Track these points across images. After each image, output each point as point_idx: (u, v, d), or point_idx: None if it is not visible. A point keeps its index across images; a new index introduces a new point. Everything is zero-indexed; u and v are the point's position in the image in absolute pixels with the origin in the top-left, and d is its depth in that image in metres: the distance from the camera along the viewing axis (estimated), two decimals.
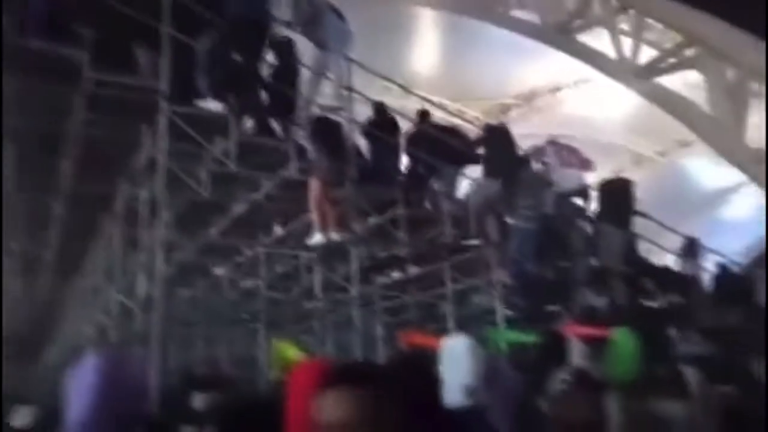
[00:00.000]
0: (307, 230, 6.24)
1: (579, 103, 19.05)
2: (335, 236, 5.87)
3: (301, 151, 5.81)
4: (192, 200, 5.75)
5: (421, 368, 2.42)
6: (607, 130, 17.85)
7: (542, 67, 17.91)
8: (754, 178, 9.38)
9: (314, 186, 5.73)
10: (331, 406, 1.36)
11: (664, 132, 16.61)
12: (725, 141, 9.24)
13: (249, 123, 5.78)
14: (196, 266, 8.25)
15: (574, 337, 3.34)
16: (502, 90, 19.27)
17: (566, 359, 2.77)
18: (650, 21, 11.30)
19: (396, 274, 8.39)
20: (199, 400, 2.39)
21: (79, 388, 1.50)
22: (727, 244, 14.37)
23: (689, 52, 9.56)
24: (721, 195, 17.96)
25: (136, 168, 5.95)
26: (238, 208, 6.50)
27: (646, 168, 18.84)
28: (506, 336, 5.02)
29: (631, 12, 10.47)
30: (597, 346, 3.22)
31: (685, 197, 17.53)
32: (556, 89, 19.58)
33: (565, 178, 7.51)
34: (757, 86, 9.29)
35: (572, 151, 8.28)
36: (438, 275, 7.79)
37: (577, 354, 2.84)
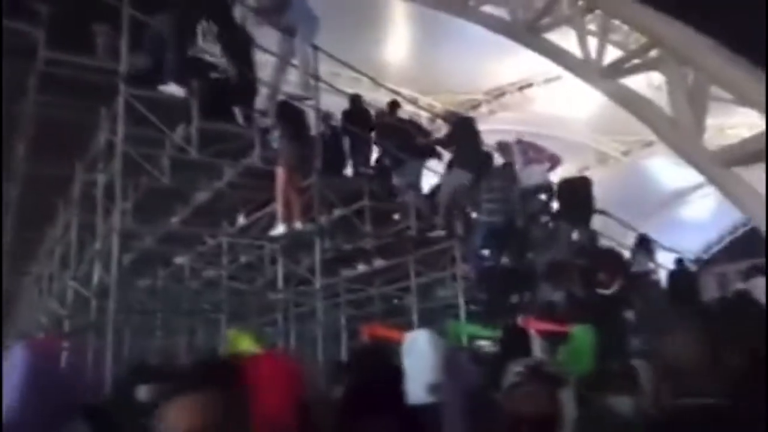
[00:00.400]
0: (271, 220, 6.16)
1: (547, 101, 19.28)
2: (299, 226, 5.81)
3: (264, 139, 5.73)
4: (152, 187, 5.61)
5: (383, 361, 2.40)
6: (573, 129, 18.13)
7: (512, 64, 18.05)
8: (711, 179, 9.64)
9: (279, 173, 5.64)
10: (175, 416, 1.26)
11: (627, 132, 16.99)
12: (684, 143, 9.47)
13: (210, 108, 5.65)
14: (157, 255, 8.07)
15: (534, 331, 3.38)
16: (472, 85, 19.35)
17: (528, 354, 2.79)
18: (616, 22, 11.52)
19: (361, 267, 8.40)
20: (144, 392, 2.33)
21: (9, 377, 1.45)
22: (686, 243, 14.86)
23: (652, 54, 9.76)
24: (681, 195, 18.52)
25: (93, 152, 5.76)
26: (201, 196, 6.38)
27: (609, 167, 19.26)
28: (467, 329, 5.05)
29: (598, 13, 10.63)
30: (555, 341, 3.26)
31: (646, 196, 17.99)
32: (526, 86, 19.76)
33: (529, 174, 7.62)
34: (716, 90, 9.57)
35: (539, 150, 8.39)
36: (403, 268, 7.83)
37: (537, 349, 2.87)
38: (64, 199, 7.14)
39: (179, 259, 8.66)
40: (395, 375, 2.17)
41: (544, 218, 7.90)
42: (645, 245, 8.95)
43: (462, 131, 7.58)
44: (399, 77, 17.40)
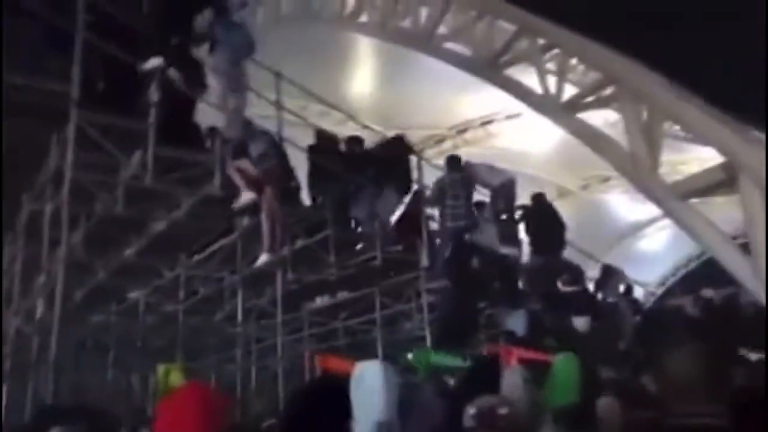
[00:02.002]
0: (231, 251, 5.96)
1: (509, 137, 19.69)
2: (265, 258, 5.62)
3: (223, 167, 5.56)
4: (105, 216, 5.37)
5: (333, 398, 2.22)
6: (534, 164, 18.51)
7: (475, 100, 18.44)
8: (668, 212, 9.90)
9: (268, 193, 5.40)
10: None
11: (586, 167, 17.44)
12: (641, 176, 9.75)
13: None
14: (110, 289, 7.71)
15: (514, 361, 3.28)
16: (437, 121, 19.65)
17: (496, 386, 2.67)
18: (574, 60, 11.95)
19: (325, 299, 8.21)
20: None
21: None
22: (643, 275, 15.17)
23: (608, 92, 10.12)
24: (637, 228, 19.01)
25: (42, 180, 5.52)
26: (157, 226, 6.14)
27: (569, 201, 19.66)
28: (433, 359, 4.89)
29: (556, 51, 11.00)
30: (537, 371, 3.16)
31: (603, 230, 18.38)
32: (488, 122, 20.15)
33: (491, 175, 7.81)
34: (669, 126, 9.94)
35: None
36: (368, 300, 7.68)
37: (513, 380, 2.76)
38: (9, 229, 6.80)
39: (134, 294, 8.30)
40: (336, 413, 2.00)
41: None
42: (611, 274, 9.07)
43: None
44: (366, 112, 17.54)
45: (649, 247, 19.10)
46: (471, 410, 1.98)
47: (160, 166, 5.00)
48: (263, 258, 5.57)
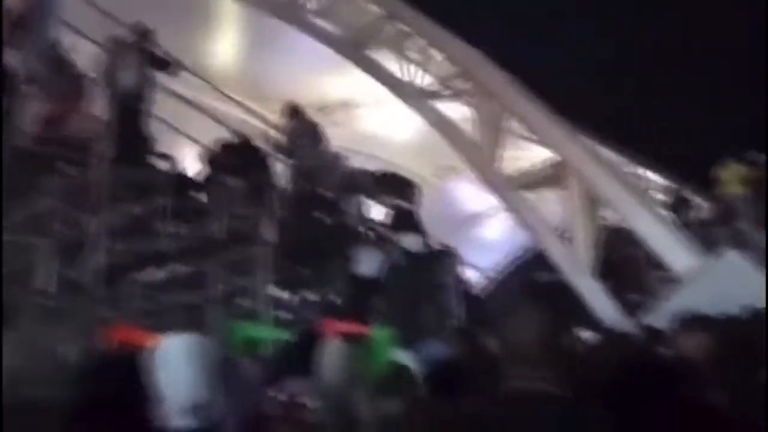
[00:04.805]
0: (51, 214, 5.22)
1: (371, 122, 19.87)
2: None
3: None
4: None
5: (125, 376, 1.94)
6: (392, 150, 18.92)
7: (341, 82, 18.29)
8: (504, 203, 10.69)
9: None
10: None
11: (440, 156, 18.23)
12: (483, 168, 10.41)
13: None
14: None
15: (333, 334, 3.21)
16: (299, 97, 19.21)
17: (312, 360, 2.57)
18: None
19: (157, 272, 7.58)
20: None
21: None
22: (484, 262, 16.29)
23: (461, 84, 10.63)
24: (481, 217, 20.36)
25: None
26: None
27: (423, 188, 20.43)
28: (250, 332, 4.66)
29: (417, 39, 11.28)
30: (355, 342, 3.11)
31: (451, 217, 19.42)
32: (352, 105, 20.16)
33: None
34: (513, 123, 10.69)
35: None
36: (206, 274, 7.24)
37: (332, 356, 2.68)
38: None
39: None
40: (133, 394, 1.76)
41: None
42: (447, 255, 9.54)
43: None
44: (226, 81, 16.70)
45: (490, 235, 20.55)
46: (278, 395, 1.83)
47: None
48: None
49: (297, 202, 6.92)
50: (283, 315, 7.16)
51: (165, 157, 7.59)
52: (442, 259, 8.93)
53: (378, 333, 3.18)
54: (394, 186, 8.49)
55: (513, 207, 10.32)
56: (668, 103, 9.16)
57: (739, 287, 5.40)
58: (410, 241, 7.71)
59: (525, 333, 1.78)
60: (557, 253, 9.21)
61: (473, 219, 20.29)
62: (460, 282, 9.29)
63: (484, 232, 20.48)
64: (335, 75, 17.57)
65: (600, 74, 9.57)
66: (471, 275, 11.67)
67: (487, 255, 17.19)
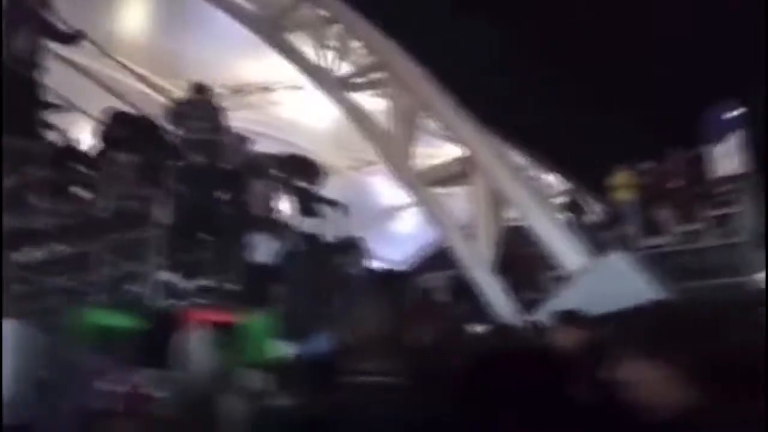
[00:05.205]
0: None
1: (288, 108, 19.48)
2: None
3: None
4: None
5: None
6: (308, 138, 18.62)
7: (259, 65, 17.79)
8: (414, 197, 10.77)
9: None
10: None
11: (357, 148, 18.16)
12: (395, 162, 10.41)
13: None
14: None
15: (196, 323, 3.01)
16: (212, 76, 18.42)
17: (168, 350, 2.38)
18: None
19: (34, 252, 6.93)
20: None
21: None
22: (396, 255, 16.43)
23: (377, 75, 10.54)
24: (395, 211, 20.53)
25: None
26: None
27: (336, 179, 20.26)
28: (100, 320, 4.31)
29: (336, 26, 11.08)
30: (221, 332, 2.93)
31: (366, 210, 19.43)
32: (270, 89, 19.65)
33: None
34: (426, 119, 10.77)
35: None
36: (90, 257, 6.70)
37: (192, 343, 2.49)
38: None
39: None
40: None
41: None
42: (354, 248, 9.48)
43: None
44: (131, 52, 15.71)
45: (404, 229, 20.76)
46: (117, 388, 1.66)
47: None
48: None
49: (194, 181, 6.55)
50: (176, 302, 6.78)
51: (52, 127, 6.96)
52: (347, 249, 8.83)
53: (254, 323, 3.02)
54: (298, 169, 8.27)
55: (422, 202, 10.41)
56: (571, 110, 9.57)
57: (619, 287, 5.72)
58: (312, 228, 7.56)
59: (367, 326, 1.72)
60: (461, 249, 9.39)
61: (388, 212, 20.46)
62: (365, 274, 9.25)
63: (398, 226, 20.70)
64: (254, 57, 17.01)
65: (507, 77, 9.85)
66: (380, 268, 11.69)
67: (399, 248, 17.36)
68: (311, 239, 7.74)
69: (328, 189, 13.10)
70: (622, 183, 8.72)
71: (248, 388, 2.37)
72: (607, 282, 6.14)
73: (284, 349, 2.95)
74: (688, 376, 1.14)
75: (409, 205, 17.97)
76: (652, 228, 8.20)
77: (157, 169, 6.37)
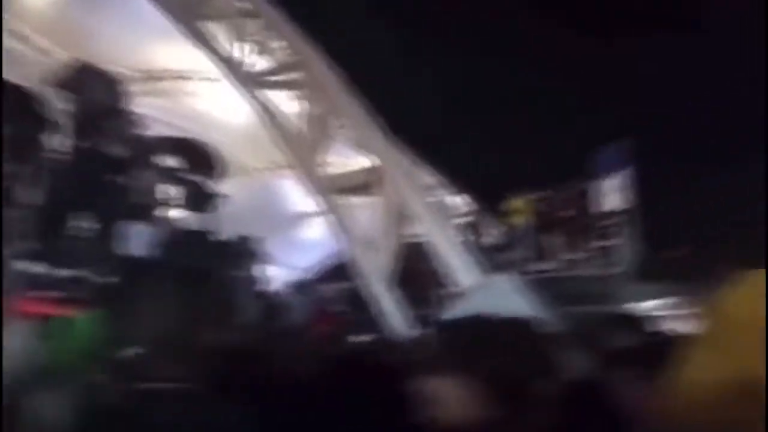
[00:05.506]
0: None
1: (203, 100, 18.73)
2: None
3: None
4: None
5: None
6: (221, 133, 17.97)
7: (175, 52, 16.98)
8: (323, 205, 10.59)
9: None
10: None
11: (270, 150, 17.71)
12: (305, 167, 10.21)
13: None
14: None
15: (17, 314, 2.68)
16: (122, 57, 17.39)
17: None
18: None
19: None
20: None
21: None
22: (303, 263, 16.09)
23: (294, 76, 10.31)
24: (303, 216, 20.17)
25: None
26: None
27: (243, 180, 19.62)
28: None
29: (257, 20, 10.75)
30: (42, 325, 2.62)
31: (273, 214, 18.93)
32: (185, 78, 18.80)
33: None
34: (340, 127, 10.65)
35: None
36: None
37: (12, 338, 2.19)
38: None
39: None
40: None
41: None
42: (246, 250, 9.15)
43: None
44: (35, 23, 14.54)
45: (310, 236, 20.43)
46: None
47: None
48: None
49: (74, 161, 6.00)
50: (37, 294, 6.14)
51: None
52: (235, 249, 8.48)
53: (83, 317, 2.74)
54: (191, 156, 7.80)
55: (329, 209, 10.27)
56: (478, 137, 9.80)
57: (502, 308, 5.82)
58: (195, 222, 7.13)
59: (157, 328, 1.57)
60: (361, 259, 9.33)
61: (296, 218, 20.04)
62: (256, 277, 8.93)
63: (306, 232, 20.32)
64: (172, 44, 16.20)
65: (421, 92, 9.96)
66: (280, 273, 11.36)
67: (305, 255, 17.06)
68: (191, 235, 7.31)
69: (237, 188, 12.61)
70: (518, 208, 9.05)
71: (61, 385, 2.12)
72: (491, 302, 6.27)
73: (108, 351, 2.70)
74: (480, 393, 1.08)
75: (318, 212, 17.69)
76: (541, 253, 8.55)
77: (28, 142, 5.77)
